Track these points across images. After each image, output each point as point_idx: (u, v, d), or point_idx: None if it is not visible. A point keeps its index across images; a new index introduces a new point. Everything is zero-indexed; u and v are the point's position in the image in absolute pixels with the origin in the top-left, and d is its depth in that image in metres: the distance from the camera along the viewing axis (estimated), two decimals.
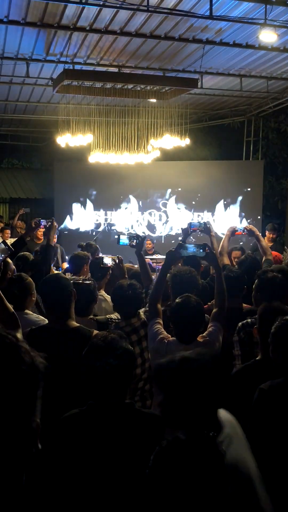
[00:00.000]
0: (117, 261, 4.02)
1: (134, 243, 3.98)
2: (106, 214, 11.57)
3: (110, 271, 4.20)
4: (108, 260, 4.02)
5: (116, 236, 4.27)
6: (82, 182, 11.37)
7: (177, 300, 2.87)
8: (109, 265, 4.03)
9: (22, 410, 0.94)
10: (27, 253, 4.38)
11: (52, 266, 5.33)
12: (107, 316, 3.64)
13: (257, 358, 2.66)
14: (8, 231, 8.72)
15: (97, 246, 5.96)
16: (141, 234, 10.20)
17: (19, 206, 12.30)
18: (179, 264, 4.20)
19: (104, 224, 11.37)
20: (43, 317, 3.46)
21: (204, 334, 2.89)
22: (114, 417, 1.99)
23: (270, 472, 2.02)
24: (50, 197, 12.02)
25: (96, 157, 9.67)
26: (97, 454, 1.96)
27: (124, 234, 4.08)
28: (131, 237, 4.00)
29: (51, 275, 3.69)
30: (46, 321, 3.40)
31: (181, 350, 2.82)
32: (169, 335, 2.92)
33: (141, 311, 3.48)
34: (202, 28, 6.41)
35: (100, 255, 5.68)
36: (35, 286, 3.55)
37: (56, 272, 5.19)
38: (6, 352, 0.95)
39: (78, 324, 2.87)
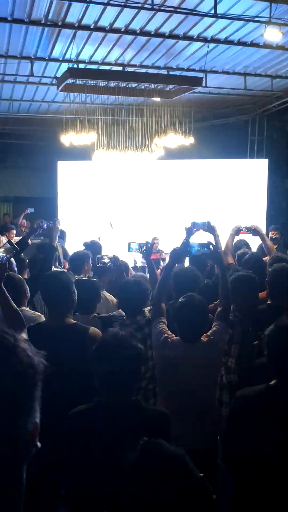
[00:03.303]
0: (115, 261, 4.06)
1: (143, 250, 4.07)
2: (110, 213, 11.56)
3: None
4: (106, 260, 4.05)
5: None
6: (86, 181, 11.37)
7: (180, 300, 2.86)
8: (107, 264, 4.06)
9: (18, 411, 0.94)
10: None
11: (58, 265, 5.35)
12: (110, 313, 3.65)
13: None
14: (14, 232, 8.71)
15: (101, 244, 5.97)
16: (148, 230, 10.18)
17: (23, 205, 12.32)
18: (182, 264, 4.20)
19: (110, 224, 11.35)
20: (39, 313, 3.47)
21: (208, 333, 2.88)
22: (121, 413, 2.00)
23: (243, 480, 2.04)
24: (54, 196, 12.03)
25: (100, 156, 9.67)
26: (104, 451, 1.97)
27: (134, 242, 4.18)
28: (141, 244, 4.10)
29: (52, 272, 3.70)
30: (42, 316, 3.43)
31: (185, 349, 2.84)
32: (173, 335, 2.92)
33: (146, 309, 3.48)
34: (206, 27, 6.39)
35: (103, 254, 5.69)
36: (35, 285, 3.57)
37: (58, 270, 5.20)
38: (2, 353, 0.95)
39: (74, 321, 2.88)
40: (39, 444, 0.97)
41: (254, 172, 11.23)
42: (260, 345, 3.20)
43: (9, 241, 3.25)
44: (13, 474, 0.94)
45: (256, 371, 2.65)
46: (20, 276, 3.50)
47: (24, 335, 2.45)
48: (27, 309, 3.47)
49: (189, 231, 4.47)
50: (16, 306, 2.78)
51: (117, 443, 1.96)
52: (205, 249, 3.17)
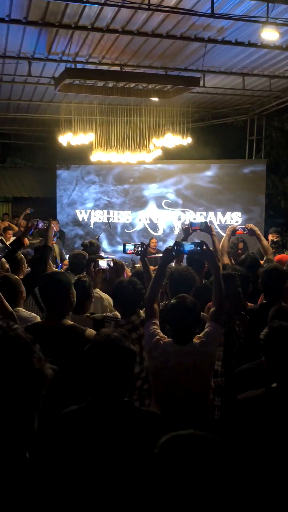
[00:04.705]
0: (111, 264, 4.06)
1: (138, 250, 4.09)
2: (108, 213, 11.58)
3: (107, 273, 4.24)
4: (103, 263, 4.06)
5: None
6: (84, 181, 11.38)
7: (172, 301, 2.85)
8: (103, 268, 4.08)
9: (21, 415, 0.93)
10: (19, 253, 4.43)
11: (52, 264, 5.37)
12: (104, 314, 3.65)
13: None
14: (11, 232, 8.70)
15: (99, 244, 5.99)
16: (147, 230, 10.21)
17: (22, 205, 12.34)
18: (181, 264, 4.19)
19: (107, 224, 11.36)
20: (35, 314, 3.48)
21: (200, 335, 2.86)
22: (113, 414, 2.00)
23: (245, 482, 2.02)
24: (52, 196, 12.04)
25: (98, 156, 9.68)
26: (95, 451, 1.96)
27: (129, 243, 4.20)
28: (136, 245, 4.12)
29: (51, 273, 3.71)
30: (38, 317, 3.43)
31: (177, 351, 2.83)
32: (165, 336, 2.91)
33: (142, 310, 3.48)
34: (204, 27, 6.39)
35: (102, 254, 5.71)
36: (32, 284, 3.59)
37: (55, 269, 5.23)
38: (19, 354, 0.94)
39: (72, 322, 2.87)
40: (27, 455, 0.96)
41: (253, 172, 11.22)
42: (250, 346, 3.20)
43: (1, 241, 3.26)
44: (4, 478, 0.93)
45: (243, 375, 2.64)
46: (16, 277, 3.50)
47: None
48: (23, 309, 3.47)
49: (187, 231, 4.48)
50: (9, 306, 2.77)
51: (108, 444, 1.96)
52: (198, 248, 3.16)
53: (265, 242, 4.80)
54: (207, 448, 1.25)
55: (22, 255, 4.54)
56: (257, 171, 11.18)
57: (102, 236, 10.58)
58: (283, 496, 2.06)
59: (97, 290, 4.19)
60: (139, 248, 4.08)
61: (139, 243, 4.16)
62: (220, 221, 11.05)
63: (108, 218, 11.32)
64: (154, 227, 11.51)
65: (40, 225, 4.46)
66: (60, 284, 2.87)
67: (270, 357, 2.21)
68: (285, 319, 2.57)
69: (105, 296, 4.15)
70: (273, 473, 2.09)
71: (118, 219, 11.62)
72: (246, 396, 2.27)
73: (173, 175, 11.28)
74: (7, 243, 7.35)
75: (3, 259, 3.78)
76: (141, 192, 11.50)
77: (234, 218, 10.88)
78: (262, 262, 4.70)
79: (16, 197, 13.66)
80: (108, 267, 4.06)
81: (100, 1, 5.51)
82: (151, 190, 11.45)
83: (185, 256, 3.98)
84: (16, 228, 8.97)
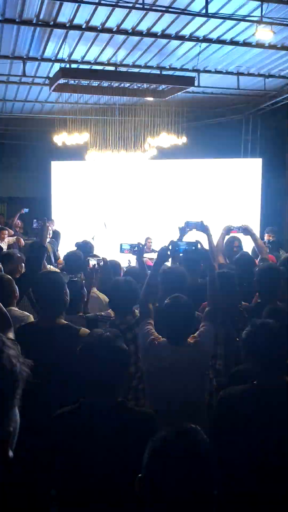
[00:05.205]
0: (101, 263, 4.05)
1: (135, 250, 4.09)
2: (103, 213, 11.56)
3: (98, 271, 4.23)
4: (92, 262, 4.05)
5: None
6: (79, 181, 11.37)
7: (166, 301, 2.85)
8: (94, 266, 4.07)
9: None
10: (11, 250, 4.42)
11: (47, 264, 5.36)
12: (97, 313, 3.65)
13: None
14: (6, 232, 8.65)
15: (93, 244, 5.97)
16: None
17: (17, 205, 12.29)
18: (177, 263, 4.20)
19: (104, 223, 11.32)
20: (27, 313, 3.47)
21: (195, 335, 2.86)
22: (106, 415, 1.99)
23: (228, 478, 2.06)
24: (47, 196, 12.02)
25: (93, 156, 9.67)
26: (88, 452, 1.95)
27: (125, 243, 4.20)
28: (132, 244, 4.13)
29: (45, 272, 3.70)
30: (31, 316, 3.42)
31: (172, 351, 2.83)
32: (160, 336, 2.90)
33: (137, 309, 3.48)
34: (198, 26, 6.39)
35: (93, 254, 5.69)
36: (27, 284, 3.58)
37: (53, 269, 5.23)
38: None
39: (66, 322, 2.87)
40: (11, 453, 0.95)
41: (248, 171, 11.23)
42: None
43: None
44: None
45: (240, 374, 2.65)
46: (9, 276, 3.49)
47: (10, 335, 2.44)
48: (16, 309, 3.46)
49: (183, 231, 4.48)
50: (2, 306, 2.76)
51: (102, 445, 1.95)
52: (193, 248, 3.16)
53: (259, 241, 4.81)
54: (192, 444, 1.29)
55: (19, 255, 4.54)
56: (252, 170, 11.19)
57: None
58: (259, 476, 2.10)
59: (94, 289, 4.18)
60: (136, 248, 4.08)
61: (136, 243, 4.16)
62: (215, 221, 11.04)
63: (104, 218, 11.30)
64: (149, 226, 11.48)
65: (34, 225, 4.45)
66: (54, 284, 2.87)
67: (251, 355, 2.24)
68: (279, 319, 2.59)
69: (102, 295, 4.14)
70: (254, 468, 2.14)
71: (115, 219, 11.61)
72: (228, 392, 2.34)
73: (168, 175, 11.27)
74: (2, 243, 7.37)
75: None
76: (136, 192, 11.48)
77: (230, 218, 10.87)
78: (257, 261, 4.71)
79: (11, 197, 13.63)
80: (98, 266, 4.05)
81: (94, 0, 5.50)
82: (145, 189, 11.44)
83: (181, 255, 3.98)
84: (12, 232, 8.94)
